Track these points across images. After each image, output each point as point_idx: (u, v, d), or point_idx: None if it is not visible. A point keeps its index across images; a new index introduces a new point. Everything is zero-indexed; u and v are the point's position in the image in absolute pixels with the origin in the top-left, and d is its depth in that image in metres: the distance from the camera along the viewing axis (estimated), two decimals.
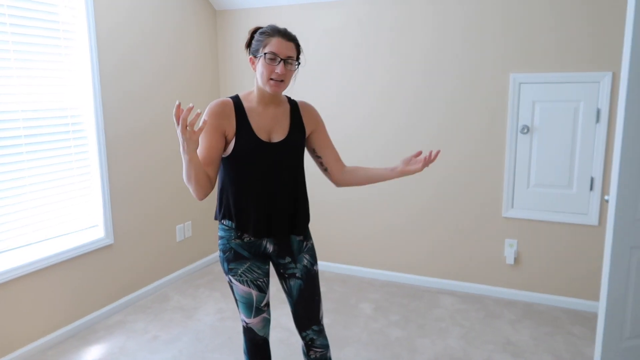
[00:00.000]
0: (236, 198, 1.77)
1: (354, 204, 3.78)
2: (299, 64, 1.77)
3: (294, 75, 1.77)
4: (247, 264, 1.83)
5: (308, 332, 1.91)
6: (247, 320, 1.89)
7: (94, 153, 3.06)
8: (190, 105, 1.49)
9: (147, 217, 3.47)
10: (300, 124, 1.84)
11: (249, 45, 1.77)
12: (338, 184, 1.96)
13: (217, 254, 4.21)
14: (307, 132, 1.87)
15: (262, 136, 1.75)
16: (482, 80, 3.29)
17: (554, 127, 3.15)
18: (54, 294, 2.86)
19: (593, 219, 3.14)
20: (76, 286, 2.99)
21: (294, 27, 3.74)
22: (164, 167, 3.60)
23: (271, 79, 1.68)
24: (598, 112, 3.04)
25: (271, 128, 1.77)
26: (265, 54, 1.67)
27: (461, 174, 3.45)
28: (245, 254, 1.82)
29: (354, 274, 3.88)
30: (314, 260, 1.92)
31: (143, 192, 3.43)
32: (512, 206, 3.33)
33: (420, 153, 1.84)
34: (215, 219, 1.87)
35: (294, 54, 1.70)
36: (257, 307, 1.88)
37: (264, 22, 3.84)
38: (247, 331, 1.91)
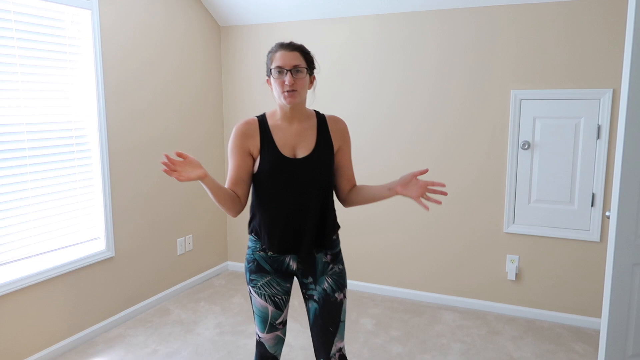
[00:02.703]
0: (262, 214, 1.78)
1: (355, 221, 3.78)
2: (311, 71, 1.75)
3: (312, 83, 1.77)
4: (268, 278, 1.81)
5: None
6: (260, 335, 1.86)
7: (97, 166, 3.08)
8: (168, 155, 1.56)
9: (148, 230, 3.48)
10: (327, 139, 1.79)
11: None
12: (344, 203, 1.91)
13: (217, 267, 4.21)
14: (335, 147, 1.81)
15: (287, 152, 1.74)
16: (483, 96, 3.31)
17: (555, 143, 3.16)
18: (54, 306, 2.85)
19: (595, 235, 3.13)
20: (77, 299, 2.99)
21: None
22: (166, 181, 3.61)
23: (284, 91, 1.69)
24: (599, 128, 3.05)
25: (296, 144, 1.75)
26: (271, 69, 1.70)
27: (462, 190, 3.45)
28: (267, 267, 1.81)
29: (355, 288, 3.87)
30: (337, 287, 1.81)
31: (145, 206, 3.44)
32: (514, 222, 3.33)
33: (425, 172, 1.72)
34: (249, 230, 1.89)
35: (300, 62, 1.69)
36: (272, 324, 1.84)
37: (268, 38, 3.88)
38: (259, 345, 1.89)
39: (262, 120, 1.78)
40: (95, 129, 3.05)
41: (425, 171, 1.71)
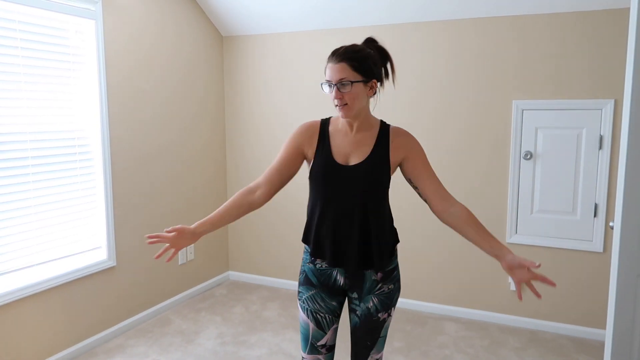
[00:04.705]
0: (312, 221, 1.73)
1: None
2: (368, 78, 1.64)
3: (371, 90, 1.67)
4: (312, 292, 1.75)
5: None
6: (302, 354, 1.80)
7: (99, 175, 3.08)
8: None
9: None
10: (384, 151, 1.70)
11: None
12: (440, 219, 1.75)
13: (218, 277, 4.19)
14: (394, 159, 1.71)
15: (339, 159, 1.68)
16: (485, 107, 3.32)
17: (557, 153, 3.16)
18: (55, 316, 2.84)
19: (598, 246, 3.12)
20: (77, 309, 2.97)
21: (300, 55, 3.80)
22: (168, 190, 3.61)
23: (336, 105, 1.65)
24: (601, 138, 3.05)
25: (350, 152, 1.69)
26: (325, 83, 1.66)
27: (465, 200, 3.44)
28: (314, 280, 1.75)
29: None
30: (383, 307, 1.73)
31: (146, 215, 3.43)
32: (516, 232, 3.32)
33: (537, 267, 1.51)
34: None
35: (346, 74, 1.60)
36: (312, 344, 1.76)
37: (270, 49, 3.90)
38: None
39: (324, 124, 1.75)
40: (98, 138, 3.05)
41: (538, 266, 1.52)
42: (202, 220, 1.68)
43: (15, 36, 2.58)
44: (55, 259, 2.85)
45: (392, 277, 1.75)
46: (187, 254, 3.82)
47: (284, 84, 3.90)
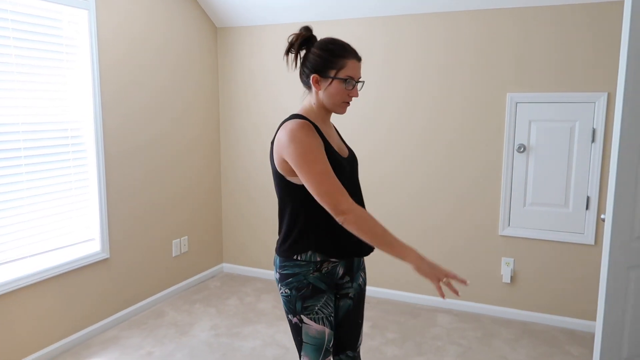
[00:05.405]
0: (327, 222, 1.62)
1: None
2: None
3: None
4: (324, 298, 1.68)
5: (341, 356, 1.83)
6: None
7: (93, 167, 3.07)
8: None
9: (143, 232, 3.46)
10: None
11: (296, 57, 1.68)
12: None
13: (212, 269, 4.19)
14: None
15: (339, 152, 1.72)
16: (480, 99, 3.32)
17: (550, 146, 3.18)
18: (48, 308, 2.84)
19: (589, 238, 3.15)
20: (71, 300, 2.97)
21: None
22: (161, 183, 3.60)
23: (344, 101, 1.63)
24: (594, 131, 3.07)
25: (339, 144, 1.74)
26: (345, 79, 1.60)
27: (458, 192, 3.46)
28: (323, 286, 1.68)
29: None
30: (365, 277, 1.88)
31: (140, 207, 3.42)
32: (509, 224, 3.34)
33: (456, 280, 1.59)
34: (287, 256, 1.66)
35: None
36: (327, 348, 1.71)
37: (266, 40, 3.88)
38: None
39: (311, 122, 1.63)
40: (91, 130, 3.04)
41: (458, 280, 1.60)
42: (407, 244, 1.54)
43: (7, 26, 2.55)
44: (48, 251, 2.85)
45: None
46: (181, 246, 3.82)
47: (279, 75, 3.88)
